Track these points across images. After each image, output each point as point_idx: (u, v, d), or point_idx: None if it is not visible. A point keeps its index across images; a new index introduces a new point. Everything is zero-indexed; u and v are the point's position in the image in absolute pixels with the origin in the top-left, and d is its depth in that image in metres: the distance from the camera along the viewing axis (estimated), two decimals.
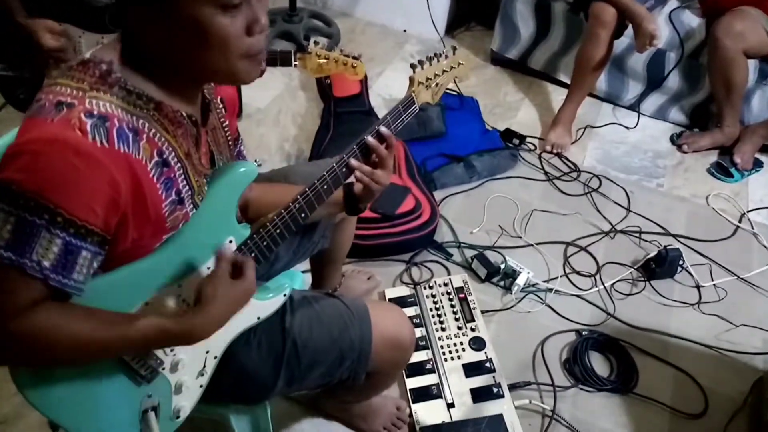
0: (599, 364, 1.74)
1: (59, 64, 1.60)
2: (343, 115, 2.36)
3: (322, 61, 1.65)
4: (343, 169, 1.04)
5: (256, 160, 0.96)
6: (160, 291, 0.89)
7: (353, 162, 1.03)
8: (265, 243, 0.98)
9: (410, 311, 1.75)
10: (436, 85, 1.21)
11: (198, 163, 0.90)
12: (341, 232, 1.47)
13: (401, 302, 1.79)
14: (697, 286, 1.99)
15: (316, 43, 1.65)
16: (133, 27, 0.78)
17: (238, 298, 0.88)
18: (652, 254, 2.01)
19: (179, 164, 0.84)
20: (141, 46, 0.79)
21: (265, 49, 0.83)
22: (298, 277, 1.08)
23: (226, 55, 0.77)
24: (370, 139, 1.04)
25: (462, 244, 2.01)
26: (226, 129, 1.01)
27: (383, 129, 1.05)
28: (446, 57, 1.22)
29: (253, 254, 0.97)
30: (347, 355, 1.10)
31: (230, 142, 1.03)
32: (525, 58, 2.80)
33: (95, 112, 0.73)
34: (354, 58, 1.63)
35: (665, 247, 1.99)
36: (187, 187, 0.86)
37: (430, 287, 1.83)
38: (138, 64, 0.80)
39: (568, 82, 2.61)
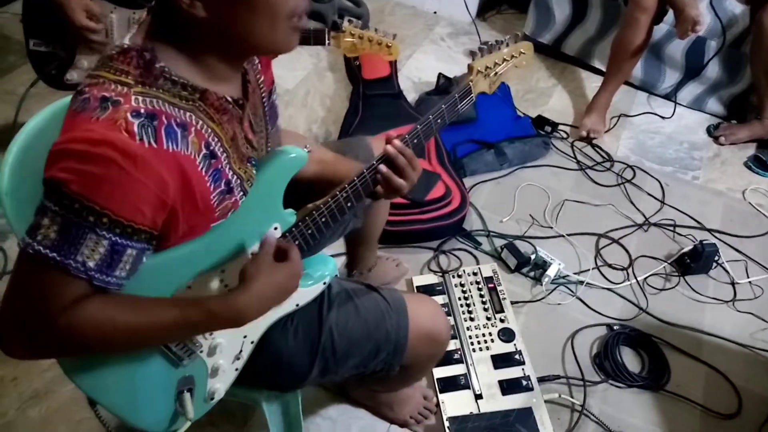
0: (630, 360, 1.70)
1: (90, 43, 1.58)
2: (372, 98, 2.32)
3: (356, 40, 1.61)
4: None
5: (306, 146, 0.94)
6: (202, 275, 0.88)
7: (383, 167, 0.99)
8: (309, 231, 0.96)
9: (438, 300, 1.73)
10: (495, 74, 1.15)
11: (243, 144, 0.88)
12: (375, 212, 1.45)
13: (429, 290, 1.77)
14: (732, 283, 1.94)
15: (350, 21, 1.61)
16: (172, 4, 0.74)
17: (284, 281, 0.88)
18: (686, 249, 1.96)
19: (225, 154, 0.83)
20: (181, 20, 0.75)
21: (306, 12, 0.81)
22: (331, 263, 1.06)
23: (272, 19, 0.76)
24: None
25: (491, 233, 1.98)
26: (263, 94, 0.98)
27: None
28: (507, 45, 1.17)
29: (297, 242, 0.96)
30: (383, 346, 1.08)
31: (265, 102, 0.99)
32: (559, 43, 2.73)
33: (142, 110, 0.71)
34: (389, 37, 1.59)
35: (701, 242, 1.94)
36: (235, 177, 0.84)
37: (459, 276, 1.80)
38: (177, 46, 0.77)
39: (603, 68, 2.55)
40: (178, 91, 0.76)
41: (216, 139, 0.81)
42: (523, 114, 2.42)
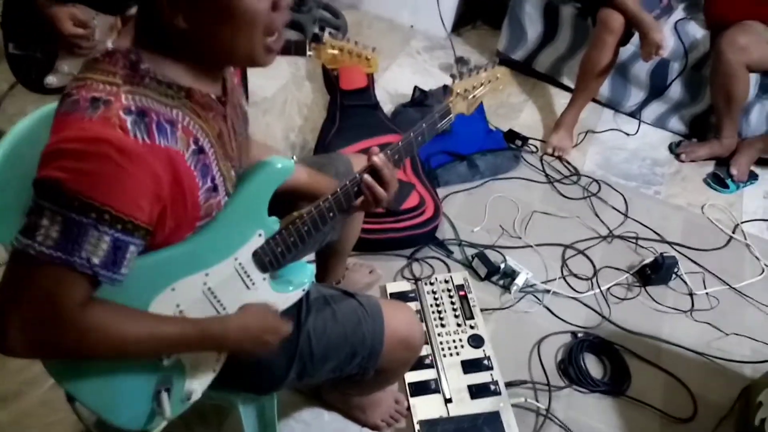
0: (593, 366, 1.77)
1: (74, 49, 1.59)
2: (349, 108, 2.36)
3: (336, 52, 1.65)
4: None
5: (293, 157, 0.97)
6: (186, 277, 0.90)
7: (367, 177, 1.04)
8: (292, 239, 0.99)
9: (411, 306, 1.77)
10: (473, 97, 1.22)
11: (228, 141, 0.91)
12: (350, 225, 1.49)
13: (402, 297, 1.81)
14: (691, 294, 2.03)
15: (331, 33, 1.65)
16: (155, 8, 0.76)
17: (269, 329, 0.98)
18: (648, 260, 2.04)
19: (212, 149, 0.85)
20: (162, 28, 0.77)
21: (284, 28, 0.84)
22: (309, 270, 1.10)
23: (251, 32, 0.78)
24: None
25: (463, 242, 2.04)
26: (239, 97, 1.01)
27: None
28: (485, 69, 1.23)
29: (279, 249, 0.98)
30: (359, 351, 1.12)
31: (240, 111, 1.02)
32: (530, 60, 2.82)
33: (133, 108, 0.73)
34: (368, 50, 1.64)
35: (661, 254, 2.03)
36: (219, 174, 0.86)
37: (431, 283, 1.86)
38: (159, 50, 0.79)
39: (572, 86, 2.64)
40: (164, 90, 0.78)
41: (204, 135, 0.83)
42: (496, 128, 2.50)
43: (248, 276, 0.97)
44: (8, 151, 0.96)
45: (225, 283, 0.94)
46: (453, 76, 1.18)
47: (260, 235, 0.96)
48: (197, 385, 1.02)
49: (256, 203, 0.94)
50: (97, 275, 0.74)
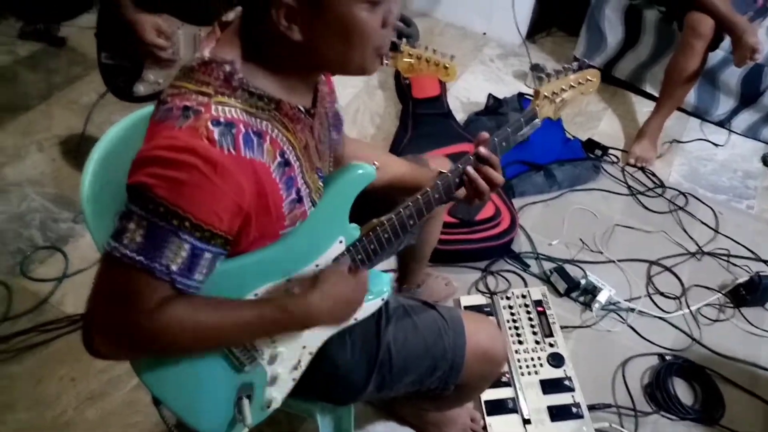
0: (683, 392, 1.66)
1: (158, 59, 1.64)
2: (422, 117, 2.34)
3: (413, 60, 1.62)
4: (456, 179, 1.01)
5: (374, 163, 0.95)
6: (269, 284, 0.90)
7: (470, 169, 1.01)
8: (372, 246, 0.97)
9: (493, 320, 1.71)
10: (561, 100, 1.16)
11: (314, 152, 0.90)
12: (428, 230, 1.46)
13: (477, 311, 1.76)
14: None
15: (408, 42, 1.63)
16: (266, 20, 0.76)
17: (352, 292, 0.93)
18: (742, 280, 1.91)
19: (297, 162, 0.85)
20: (270, 39, 0.77)
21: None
22: (388, 279, 1.07)
23: (363, 49, 0.79)
24: (484, 151, 1.01)
25: (540, 256, 1.96)
26: (327, 104, 1.00)
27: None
28: (573, 71, 1.17)
29: (359, 256, 0.97)
30: (440, 364, 1.08)
31: (329, 111, 1.01)
32: (610, 66, 2.71)
33: (222, 119, 0.73)
34: (447, 58, 1.60)
35: (758, 273, 1.89)
36: (304, 186, 0.86)
37: (508, 298, 1.79)
38: (259, 60, 0.79)
39: (655, 93, 2.52)
40: (254, 101, 0.78)
41: (290, 148, 0.83)
42: (573, 137, 2.41)
43: None
44: (104, 155, 0.99)
45: None
46: (539, 78, 1.13)
47: (341, 241, 0.95)
48: (277, 393, 1.01)
49: (338, 210, 0.93)
50: (174, 282, 0.74)
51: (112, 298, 0.74)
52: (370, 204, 0.99)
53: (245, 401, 0.96)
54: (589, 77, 1.19)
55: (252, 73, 0.79)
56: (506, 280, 1.88)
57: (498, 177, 1.01)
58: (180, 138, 0.71)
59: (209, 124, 0.72)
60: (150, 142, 0.74)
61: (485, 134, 1.02)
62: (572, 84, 1.16)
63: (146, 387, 0.88)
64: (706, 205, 2.23)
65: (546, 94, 1.11)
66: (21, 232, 1.86)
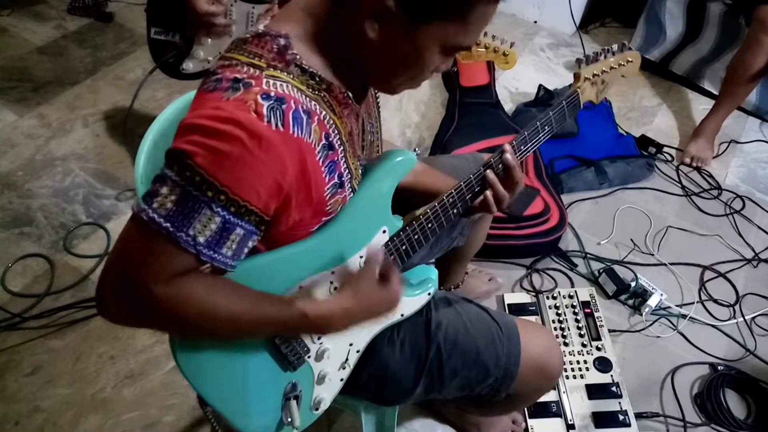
0: (735, 404, 1.58)
1: (212, 27, 1.61)
2: (469, 106, 2.27)
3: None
4: (500, 166, 0.98)
5: (415, 149, 0.91)
6: (313, 275, 0.87)
7: (508, 157, 0.98)
8: (416, 236, 0.94)
9: (529, 320, 1.66)
10: (602, 82, 1.11)
11: (358, 140, 0.88)
12: (476, 230, 1.41)
13: (521, 309, 1.71)
14: None
15: None
16: (349, 9, 0.73)
17: (379, 305, 0.87)
18: None
19: (342, 147, 0.82)
20: (341, 25, 0.75)
21: None
22: (434, 272, 1.03)
23: (406, 77, 0.80)
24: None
25: (588, 255, 1.89)
26: (377, 95, 0.99)
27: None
28: (613, 53, 1.13)
29: (404, 247, 0.94)
30: (492, 371, 1.04)
31: (375, 109, 1.00)
32: (667, 60, 2.60)
33: (272, 94, 0.70)
34: (506, 45, 1.54)
35: None
36: (347, 171, 0.83)
37: (554, 297, 1.73)
38: (317, 40, 0.77)
39: (714, 90, 2.41)
40: (306, 79, 0.75)
41: (336, 132, 0.80)
42: (626, 132, 2.32)
43: None
44: (158, 135, 0.98)
45: None
46: (579, 61, 1.09)
47: (384, 231, 0.92)
48: (326, 394, 0.98)
49: (379, 198, 0.90)
50: (200, 254, 0.70)
51: (131, 259, 0.71)
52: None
53: (293, 402, 0.93)
54: (629, 58, 1.15)
55: (307, 52, 0.76)
56: (552, 279, 1.82)
57: (517, 186, 1.00)
58: (226, 109, 0.68)
59: (259, 97, 0.69)
60: (195, 110, 0.71)
61: (508, 146, 0.99)
62: (613, 65, 1.12)
63: (192, 387, 0.85)
64: (764, 210, 2.12)
65: (587, 76, 1.08)
66: (65, 206, 1.87)
